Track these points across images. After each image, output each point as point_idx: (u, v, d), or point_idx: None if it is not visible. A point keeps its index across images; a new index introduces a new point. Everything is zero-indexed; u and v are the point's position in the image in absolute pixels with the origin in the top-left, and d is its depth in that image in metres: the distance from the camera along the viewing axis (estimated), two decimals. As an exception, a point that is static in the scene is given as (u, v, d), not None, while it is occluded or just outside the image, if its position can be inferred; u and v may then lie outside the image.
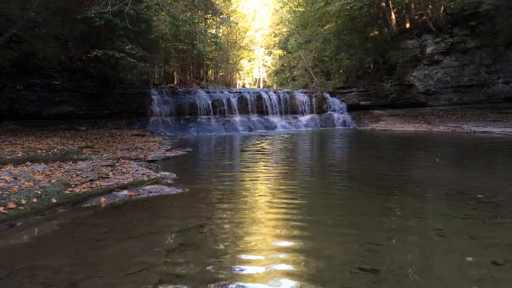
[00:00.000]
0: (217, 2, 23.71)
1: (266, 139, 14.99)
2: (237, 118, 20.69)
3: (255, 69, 42.16)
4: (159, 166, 7.43)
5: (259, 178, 6.51)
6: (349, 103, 23.10)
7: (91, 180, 5.40)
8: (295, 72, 35.78)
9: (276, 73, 40.44)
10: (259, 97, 21.94)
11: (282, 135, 17.28)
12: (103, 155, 8.45)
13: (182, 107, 19.74)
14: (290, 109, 22.57)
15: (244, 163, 8.87)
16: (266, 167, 7.76)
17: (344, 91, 23.84)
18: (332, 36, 26.16)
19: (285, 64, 37.89)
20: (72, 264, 2.84)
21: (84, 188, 4.94)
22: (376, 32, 24.90)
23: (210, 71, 31.51)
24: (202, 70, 28.47)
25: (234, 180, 6.38)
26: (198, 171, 7.88)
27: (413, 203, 4.56)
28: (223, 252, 3.06)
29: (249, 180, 6.36)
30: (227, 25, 27.75)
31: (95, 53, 14.09)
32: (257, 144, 13.23)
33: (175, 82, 25.35)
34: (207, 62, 28.01)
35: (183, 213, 4.39)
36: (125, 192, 5.11)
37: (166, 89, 20.48)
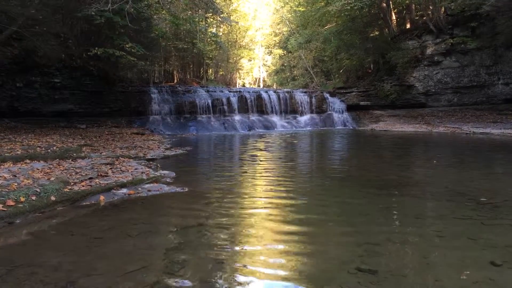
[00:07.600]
0: (218, 1, 23.70)
1: (266, 139, 14.99)
2: (237, 117, 20.70)
3: (255, 68, 42.19)
4: (158, 165, 7.43)
5: (258, 178, 6.51)
6: (349, 103, 23.11)
7: (90, 178, 5.40)
8: (295, 71, 35.84)
9: (276, 73, 40.49)
10: (259, 97, 21.94)
11: (282, 134, 17.28)
12: (103, 153, 8.44)
13: (182, 106, 19.75)
14: (290, 108, 22.57)
15: (243, 162, 8.87)
16: (265, 167, 7.76)
17: (344, 91, 23.85)
18: (332, 36, 26.18)
19: (285, 64, 37.93)
20: (71, 262, 2.84)
21: (83, 186, 4.93)
22: (377, 33, 24.92)
23: (210, 70, 31.50)
24: (202, 69, 28.46)
25: (233, 179, 6.38)
26: (197, 170, 7.88)
27: (412, 204, 4.56)
28: (221, 251, 3.06)
29: (248, 179, 6.36)
30: (228, 24, 27.74)
31: (95, 51, 14.09)
32: (256, 143, 13.23)
33: (175, 80, 25.34)
34: (207, 61, 28.01)
35: (182, 212, 4.38)
36: (124, 190, 5.11)
37: (166, 88, 20.49)
